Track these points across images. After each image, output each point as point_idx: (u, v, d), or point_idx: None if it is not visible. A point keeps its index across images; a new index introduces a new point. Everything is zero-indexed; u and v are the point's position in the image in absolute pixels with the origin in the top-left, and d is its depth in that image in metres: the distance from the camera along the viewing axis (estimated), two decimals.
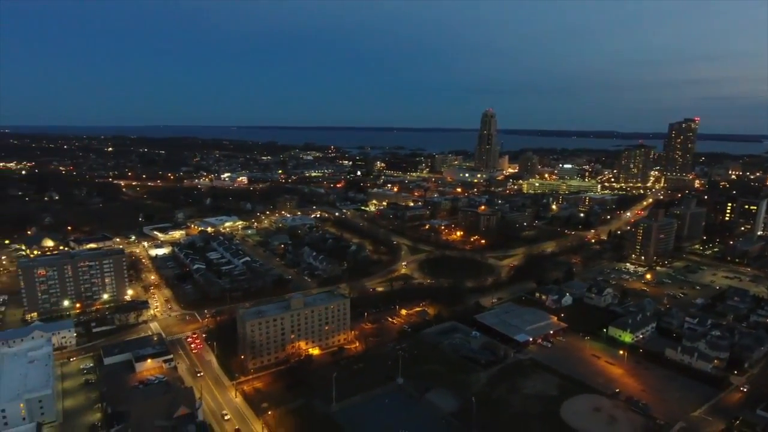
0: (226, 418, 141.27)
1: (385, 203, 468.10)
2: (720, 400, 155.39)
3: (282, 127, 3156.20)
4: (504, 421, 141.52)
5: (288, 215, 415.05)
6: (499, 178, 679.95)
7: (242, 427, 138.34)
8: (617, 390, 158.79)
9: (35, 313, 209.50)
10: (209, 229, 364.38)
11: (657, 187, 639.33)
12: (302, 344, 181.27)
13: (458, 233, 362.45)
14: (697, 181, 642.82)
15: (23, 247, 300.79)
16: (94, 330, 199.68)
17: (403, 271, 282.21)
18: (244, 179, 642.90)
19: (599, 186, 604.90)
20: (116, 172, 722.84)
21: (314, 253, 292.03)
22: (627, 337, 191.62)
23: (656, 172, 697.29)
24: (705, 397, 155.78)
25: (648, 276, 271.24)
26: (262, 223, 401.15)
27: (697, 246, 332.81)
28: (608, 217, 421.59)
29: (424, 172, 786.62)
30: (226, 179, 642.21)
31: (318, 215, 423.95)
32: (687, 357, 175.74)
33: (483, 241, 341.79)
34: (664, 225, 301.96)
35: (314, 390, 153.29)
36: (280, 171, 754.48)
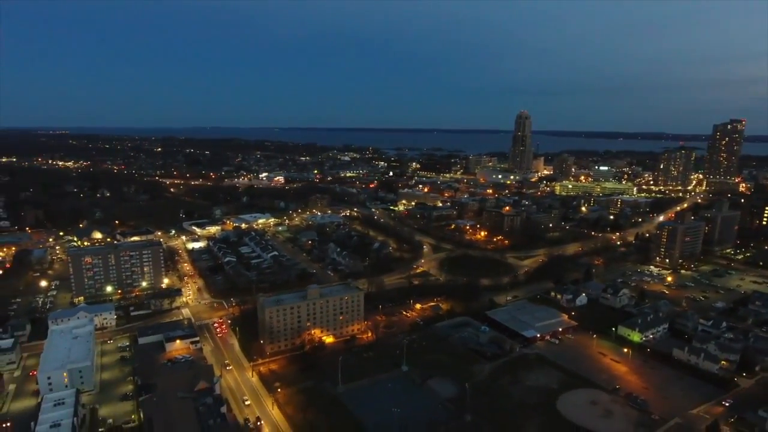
0: (245, 401, 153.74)
1: (413, 203, 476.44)
2: (723, 400, 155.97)
3: (322, 128, 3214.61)
4: (500, 408, 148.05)
5: (318, 213, 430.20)
6: (533, 179, 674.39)
7: (255, 402, 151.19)
8: (618, 386, 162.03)
9: (82, 297, 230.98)
10: (243, 226, 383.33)
11: (698, 190, 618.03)
12: (317, 332, 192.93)
13: (482, 233, 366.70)
14: (742, 185, 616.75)
15: (75, 239, 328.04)
16: (132, 313, 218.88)
17: (422, 268, 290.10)
18: (280, 179, 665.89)
19: (635, 189, 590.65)
20: (163, 172, 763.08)
21: (338, 249, 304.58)
22: (636, 337, 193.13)
23: (699, 175, 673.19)
24: (707, 397, 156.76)
25: (669, 279, 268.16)
26: (294, 220, 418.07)
27: (729, 250, 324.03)
28: (639, 219, 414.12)
29: (458, 173, 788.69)
30: (264, 179, 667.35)
31: (347, 214, 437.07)
32: (694, 357, 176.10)
33: (506, 242, 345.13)
34: (691, 228, 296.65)
35: (324, 373, 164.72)
36: (315, 171, 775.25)
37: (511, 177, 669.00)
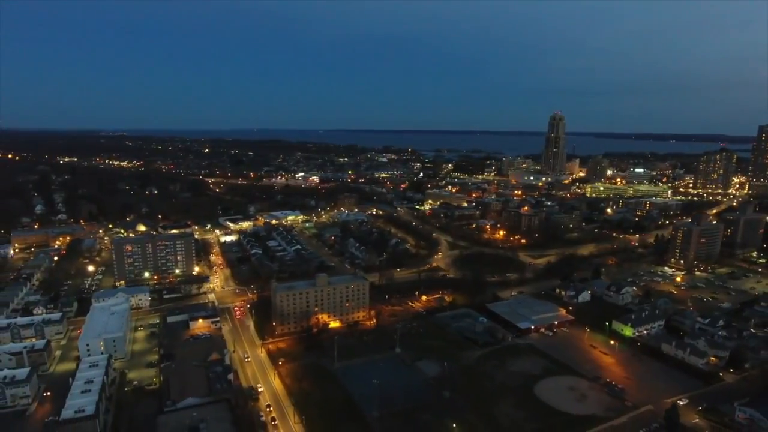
0: (247, 360, 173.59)
1: (438, 203, 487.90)
2: (704, 392, 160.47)
3: (366, 130, 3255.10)
4: (480, 388, 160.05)
5: (345, 211, 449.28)
6: (565, 181, 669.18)
7: (259, 372, 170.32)
8: (599, 376, 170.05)
9: (123, 281, 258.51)
10: (273, 222, 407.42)
11: (739, 193, 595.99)
12: (324, 317, 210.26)
13: (501, 232, 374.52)
14: None
15: (122, 230, 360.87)
16: (165, 296, 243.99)
17: (435, 264, 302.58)
18: (315, 179, 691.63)
19: (670, 191, 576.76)
20: (207, 171, 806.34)
21: (357, 245, 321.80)
22: (628, 331, 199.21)
23: (741, 178, 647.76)
24: (687, 389, 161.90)
25: (678, 279, 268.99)
26: (321, 217, 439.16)
27: (752, 253, 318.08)
28: (666, 222, 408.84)
29: (492, 175, 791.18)
30: (300, 178, 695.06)
31: (373, 212, 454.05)
32: (681, 352, 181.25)
33: (523, 240, 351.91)
34: (708, 230, 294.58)
35: (325, 352, 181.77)
36: (350, 171, 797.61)
37: (543, 179, 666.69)
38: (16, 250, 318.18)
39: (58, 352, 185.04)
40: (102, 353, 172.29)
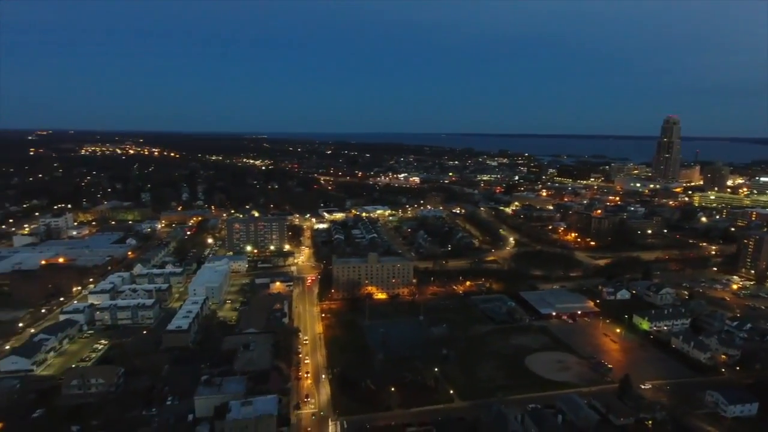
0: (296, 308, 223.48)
1: (522, 205, 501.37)
2: (691, 381, 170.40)
3: (485, 134, 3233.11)
4: (475, 351, 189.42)
5: (431, 208, 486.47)
6: (677, 189, 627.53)
7: (309, 321, 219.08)
8: (595, 356, 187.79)
9: (231, 252, 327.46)
10: (363, 214, 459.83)
11: None
12: (372, 288, 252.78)
13: (572, 234, 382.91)
14: None
15: (239, 214, 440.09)
16: (259, 265, 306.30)
17: (493, 257, 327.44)
18: (416, 179, 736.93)
19: None
20: (323, 170, 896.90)
21: (425, 236, 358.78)
22: (645, 325, 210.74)
23: None
24: (676, 377, 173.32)
25: (735, 287, 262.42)
26: (407, 213, 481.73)
27: None
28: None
29: (598, 180, 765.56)
30: (401, 178, 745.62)
31: (456, 210, 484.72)
32: (686, 346, 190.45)
33: (592, 243, 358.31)
34: None
35: (363, 313, 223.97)
36: (450, 174, 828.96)
37: (651, 186, 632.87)
38: (163, 225, 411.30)
39: (176, 294, 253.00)
40: (203, 296, 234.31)
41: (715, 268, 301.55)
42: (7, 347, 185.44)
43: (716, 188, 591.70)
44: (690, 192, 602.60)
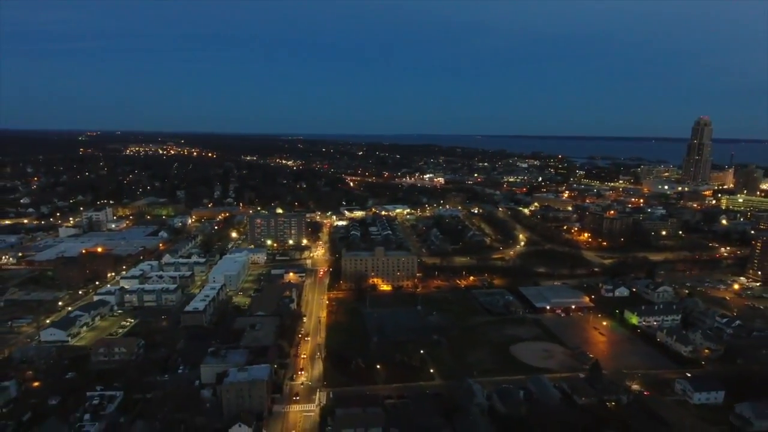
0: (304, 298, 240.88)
1: (541, 206, 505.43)
2: (665, 372, 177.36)
3: (521, 136, 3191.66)
4: (465, 339, 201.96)
5: (449, 207, 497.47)
6: (706, 192, 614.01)
7: (316, 308, 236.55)
8: (579, 346, 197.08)
9: (252, 245, 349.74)
10: (383, 213, 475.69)
11: None
12: (378, 280, 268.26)
13: (585, 234, 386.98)
14: None
15: (265, 211, 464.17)
16: (277, 258, 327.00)
17: (502, 255, 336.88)
18: (441, 180, 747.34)
19: None
20: (352, 170, 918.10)
21: (437, 233, 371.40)
22: (634, 320, 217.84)
23: None
24: (656, 368, 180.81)
25: (736, 287, 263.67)
26: (425, 212, 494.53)
27: None
28: None
29: (628, 182, 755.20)
30: (426, 179, 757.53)
31: (474, 210, 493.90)
32: (669, 339, 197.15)
33: (604, 243, 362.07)
34: None
35: (366, 302, 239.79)
36: (476, 175, 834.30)
37: (678, 188, 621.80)
38: (193, 220, 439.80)
39: (198, 282, 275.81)
40: (221, 283, 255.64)
41: (726, 270, 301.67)
42: (47, 321, 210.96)
43: (746, 191, 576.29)
44: (719, 195, 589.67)
